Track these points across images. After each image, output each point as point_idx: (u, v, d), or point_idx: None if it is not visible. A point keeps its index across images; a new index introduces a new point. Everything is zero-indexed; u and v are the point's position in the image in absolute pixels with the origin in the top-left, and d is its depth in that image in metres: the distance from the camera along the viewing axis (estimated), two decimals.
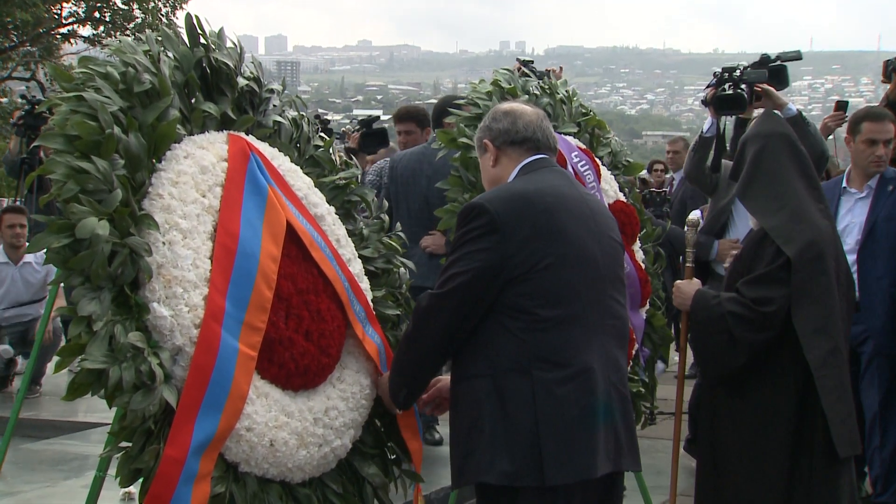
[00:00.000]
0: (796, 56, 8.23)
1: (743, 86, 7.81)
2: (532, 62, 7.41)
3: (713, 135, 8.28)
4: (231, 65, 4.66)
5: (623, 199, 7.13)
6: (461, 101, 6.91)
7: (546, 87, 6.99)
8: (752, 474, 4.71)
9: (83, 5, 36.42)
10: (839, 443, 5.29)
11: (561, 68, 8.43)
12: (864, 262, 7.66)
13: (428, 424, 8.91)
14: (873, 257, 7.68)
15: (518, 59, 7.71)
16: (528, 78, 6.93)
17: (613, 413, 4.19)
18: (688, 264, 6.22)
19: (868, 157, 7.68)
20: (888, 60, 8.68)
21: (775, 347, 5.27)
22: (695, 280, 5.76)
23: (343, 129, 10.27)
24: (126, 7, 35.93)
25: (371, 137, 9.38)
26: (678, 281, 5.81)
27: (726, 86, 7.86)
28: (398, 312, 5.29)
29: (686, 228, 6.45)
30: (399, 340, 4.68)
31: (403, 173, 8.41)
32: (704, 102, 8.27)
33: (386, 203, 5.80)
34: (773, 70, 8.01)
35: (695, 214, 6.74)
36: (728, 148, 8.35)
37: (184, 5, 36.77)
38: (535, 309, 4.03)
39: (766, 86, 7.82)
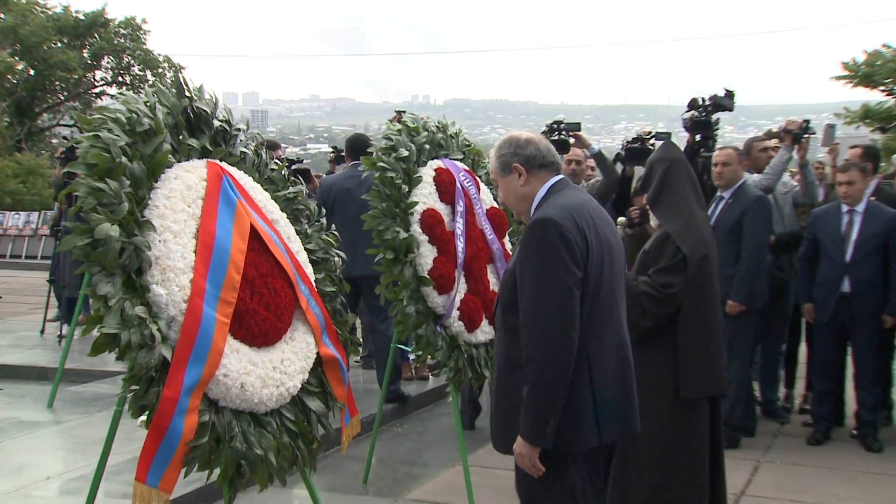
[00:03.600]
0: (576, 126, 8.42)
1: (564, 133, 8.08)
2: (404, 111, 7.37)
3: None
4: (208, 111, 4.74)
5: (496, 205, 7.23)
6: (379, 136, 6.88)
7: (440, 125, 7.08)
8: (645, 408, 4.84)
9: (110, 72, 37.49)
10: (683, 386, 5.49)
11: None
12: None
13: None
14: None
15: (396, 111, 7.83)
16: (426, 119, 7.00)
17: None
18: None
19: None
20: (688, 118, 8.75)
21: (673, 318, 5.51)
22: None
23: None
24: (141, 73, 36.78)
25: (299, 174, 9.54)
26: None
27: (554, 133, 8.07)
28: (333, 289, 5.30)
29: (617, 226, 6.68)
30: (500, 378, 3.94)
31: (339, 190, 8.62)
32: None
33: (324, 210, 5.94)
34: (574, 125, 8.30)
35: (622, 219, 6.86)
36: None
37: (183, 70, 36.87)
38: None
39: (577, 133, 8.16)
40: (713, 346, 5.76)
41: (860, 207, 7.87)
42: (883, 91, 24.50)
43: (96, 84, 37.61)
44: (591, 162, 8.98)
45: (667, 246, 5.52)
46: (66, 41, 36.14)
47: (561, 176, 4.01)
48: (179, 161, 4.51)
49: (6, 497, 6.42)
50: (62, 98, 36.42)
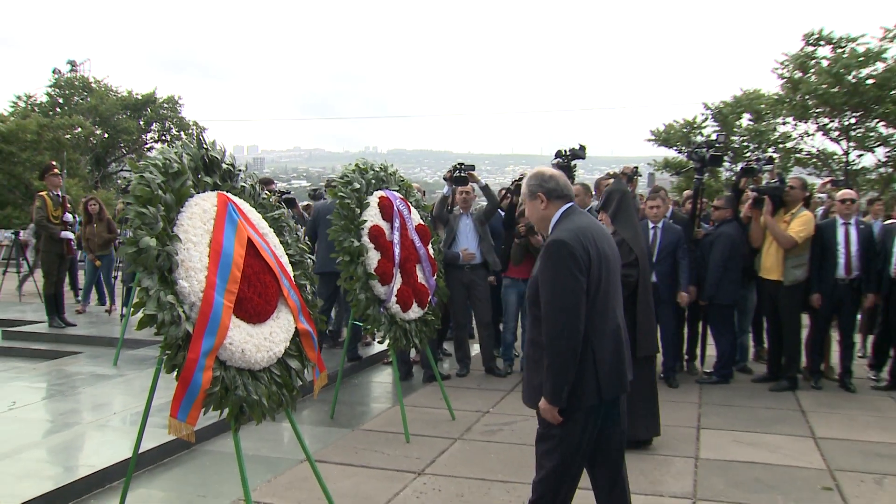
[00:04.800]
0: (471, 167, 8.65)
1: (463, 172, 8.40)
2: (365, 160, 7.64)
3: (447, 195, 8.81)
4: (218, 157, 4.89)
5: (422, 223, 7.49)
6: (341, 171, 7.15)
7: (382, 167, 7.29)
8: None
9: (157, 133, 39.54)
10: (640, 348, 5.99)
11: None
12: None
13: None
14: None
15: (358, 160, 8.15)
16: (371, 163, 7.23)
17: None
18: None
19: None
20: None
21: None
22: None
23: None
24: (177, 133, 38.43)
25: (286, 202, 9.61)
26: None
27: (456, 171, 8.40)
28: (306, 282, 5.33)
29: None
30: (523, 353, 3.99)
31: (325, 213, 8.56)
32: (446, 178, 8.71)
33: (300, 227, 6.16)
34: (469, 166, 8.58)
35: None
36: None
37: (205, 131, 39.66)
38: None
39: (471, 172, 8.41)
40: (654, 321, 6.30)
41: (660, 225, 8.17)
42: (675, 149, 26.53)
43: (147, 142, 39.34)
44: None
45: (623, 248, 5.79)
46: (128, 113, 38.33)
47: (571, 203, 3.97)
48: (198, 193, 4.61)
49: (88, 426, 6.68)
50: (125, 152, 38.28)
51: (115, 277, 13.56)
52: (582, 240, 3.75)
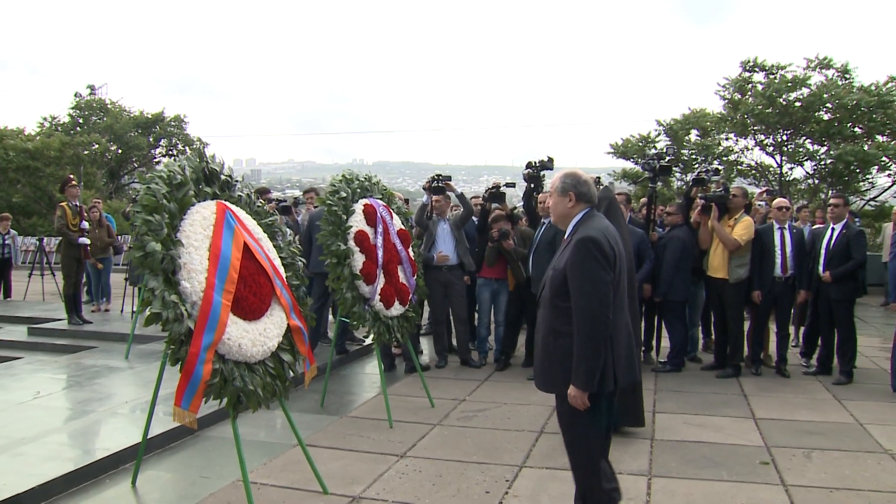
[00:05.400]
0: (448, 178, 8.76)
1: (440, 182, 8.46)
2: (351, 171, 7.56)
3: (427, 203, 8.82)
4: (218, 169, 4.86)
5: (403, 227, 7.41)
6: (329, 181, 7.06)
7: (366, 177, 7.20)
8: None
9: (164, 149, 39.02)
10: None
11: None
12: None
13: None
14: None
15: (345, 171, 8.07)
16: (357, 174, 7.13)
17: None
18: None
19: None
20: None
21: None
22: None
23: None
24: (183, 149, 37.57)
25: (281, 209, 9.57)
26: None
27: (434, 181, 8.45)
28: (298, 283, 5.30)
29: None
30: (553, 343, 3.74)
31: (316, 220, 8.57)
32: (425, 188, 8.75)
33: (290, 231, 6.09)
34: (446, 177, 8.65)
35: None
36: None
37: (207, 146, 38.91)
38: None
39: (447, 182, 8.49)
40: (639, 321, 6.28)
41: None
42: (632, 161, 26.38)
43: (156, 157, 39.11)
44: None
45: None
46: (139, 131, 38.29)
47: (591, 207, 3.87)
48: (199, 202, 4.59)
49: (103, 413, 6.58)
50: (136, 166, 37.92)
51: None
52: (608, 238, 3.68)
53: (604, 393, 3.67)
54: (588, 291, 3.56)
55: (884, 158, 22.45)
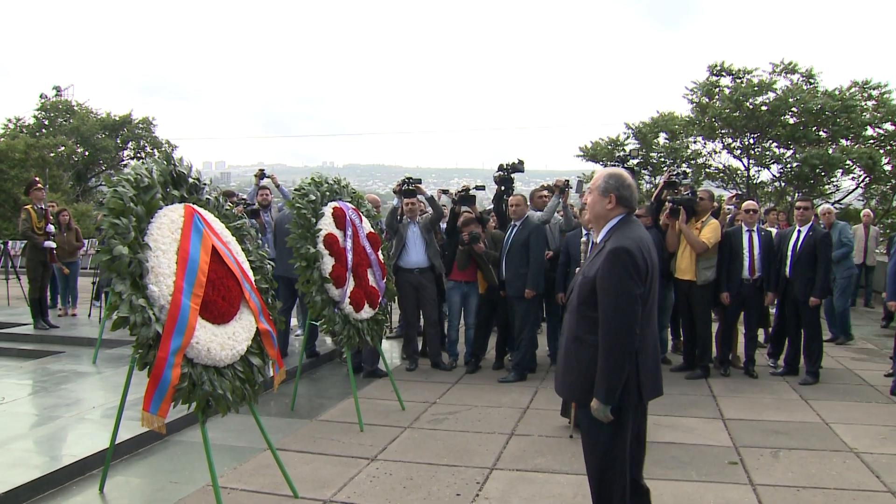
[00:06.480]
0: (418, 181, 8.79)
1: (411, 185, 8.56)
2: (320, 174, 7.50)
3: (397, 206, 8.88)
4: (185, 172, 4.80)
5: (373, 230, 7.40)
6: (299, 185, 6.99)
7: (335, 180, 7.18)
8: None
9: (132, 151, 38.92)
10: None
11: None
12: None
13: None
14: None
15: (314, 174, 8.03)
16: (326, 177, 7.09)
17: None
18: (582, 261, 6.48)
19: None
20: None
21: None
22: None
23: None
24: (151, 151, 37.84)
25: (249, 213, 9.46)
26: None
27: (405, 184, 8.53)
28: (266, 286, 5.25)
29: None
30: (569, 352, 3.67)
31: (285, 222, 8.47)
32: (395, 191, 8.81)
33: (259, 235, 6.02)
34: (416, 180, 8.72)
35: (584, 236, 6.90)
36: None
37: (175, 148, 39.35)
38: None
39: (418, 185, 8.59)
40: None
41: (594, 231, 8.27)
42: (601, 164, 26.75)
43: (124, 159, 38.90)
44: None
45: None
46: (106, 133, 38.02)
47: (627, 213, 3.70)
48: (167, 205, 4.53)
49: (70, 419, 6.51)
50: (104, 168, 37.78)
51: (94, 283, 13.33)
52: (642, 249, 3.53)
53: (629, 406, 3.55)
54: (617, 305, 3.42)
55: (848, 162, 22.84)
